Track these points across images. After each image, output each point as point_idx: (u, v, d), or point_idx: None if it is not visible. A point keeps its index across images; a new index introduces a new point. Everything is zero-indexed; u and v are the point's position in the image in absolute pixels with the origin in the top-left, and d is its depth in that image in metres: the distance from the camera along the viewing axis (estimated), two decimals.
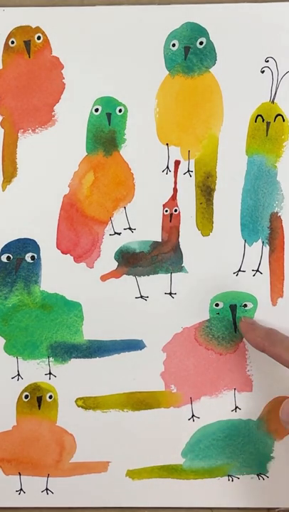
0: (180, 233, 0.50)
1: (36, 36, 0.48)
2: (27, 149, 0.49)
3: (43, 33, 0.48)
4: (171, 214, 0.49)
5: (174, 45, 0.48)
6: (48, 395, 0.51)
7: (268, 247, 0.50)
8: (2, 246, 0.50)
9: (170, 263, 0.50)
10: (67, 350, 0.51)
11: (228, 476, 0.52)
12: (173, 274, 0.50)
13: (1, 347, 0.51)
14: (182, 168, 0.49)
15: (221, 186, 0.49)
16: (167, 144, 0.49)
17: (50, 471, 0.52)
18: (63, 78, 0.49)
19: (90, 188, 0.50)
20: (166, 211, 0.49)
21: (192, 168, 0.49)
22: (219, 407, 0.51)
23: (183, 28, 0.48)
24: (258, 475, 0.52)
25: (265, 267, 0.50)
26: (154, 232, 0.50)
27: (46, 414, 0.52)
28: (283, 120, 0.48)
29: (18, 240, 0.50)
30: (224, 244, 0.50)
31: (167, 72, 0.48)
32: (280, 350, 0.45)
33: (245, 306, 0.50)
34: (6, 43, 0.48)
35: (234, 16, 0.47)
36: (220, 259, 0.50)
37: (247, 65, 0.48)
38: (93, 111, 0.49)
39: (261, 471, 0.52)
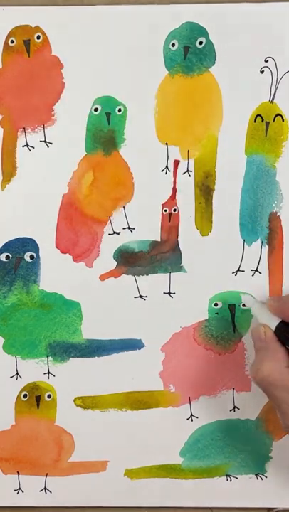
0: (179, 233, 0.50)
1: (36, 36, 0.48)
2: (26, 148, 0.49)
3: (42, 32, 0.48)
4: (170, 214, 0.49)
5: (173, 44, 0.48)
6: (46, 395, 0.51)
7: (267, 246, 0.50)
8: (1, 245, 0.50)
9: (169, 263, 0.50)
10: (66, 350, 0.51)
11: (227, 475, 0.52)
12: (172, 273, 0.50)
13: None
14: (181, 167, 0.49)
15: (220, 186, 0.49)
16: (166, 144, 0.49)
17: (48, 470, 0.52)
18: (63, 78, 0.49)
19: (89, 188, 0.50)
20: (166, 211, 0.49)
21: (191, 167, 0.49)
22: (218, 407, 0.51)
23: (182, 28, 0.48)
24: (256, 475, 0.52)
25: (264, 267, 0.50)
26: (153, 232, 0.50)
27: (45, 414, 0.52)
28: (283, 120, 0.48)
29: (18, 239, 0.50)
30: (223, 244, 0.50)
31: (167, 72, 0.48)
32: None
33: (244, 305, 0.50)
34: (6, 43, 0.48)
35: (234, 16, 0.47)
36: (219, 258, 0.50)
37: (246, 65, 0.48)
38: (93, 110, 0.49)
39: (260, 471, 0.52)
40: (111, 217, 0.50)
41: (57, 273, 0.50)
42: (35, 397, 0.51)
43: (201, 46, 0.48)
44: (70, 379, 0.51)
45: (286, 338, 0.42)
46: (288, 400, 0.39)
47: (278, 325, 0.43)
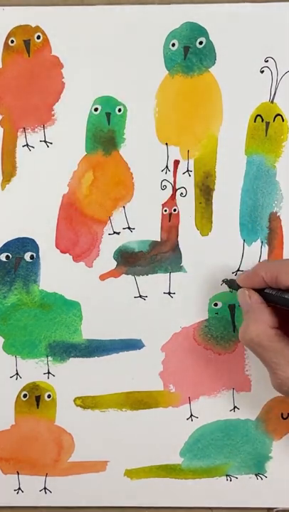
0: (179, 233, 0.50)
1: (36, 35, 0.48)
2: (26, 148, 0.49)
3: (42, 32, 0.48)
4: (170, 214, 0.49)
5: (173, 44, 0.48)
6: (46, 394, 0.51)
7: (267, 247, 0.50)
8: (1, 245, 0.50)
9: (169, 263, 0.50)
10: (66, 350, 0.51)
11: (227, 475, 0.52)
12: (172, 273, 0.50)
13: None
14: (181, 167, 0.49)
15: (220, 186, 0.49)
16: (166, 144, 0.49)
17: (48, 470, 0.52)
18: (63, 77, 0.49)
19: (89, 188, 0.50)
20: (166, 211, 0.49)
21: (191, 167, 0.49)
22: (218, 407, 0.51)
23: (182, 28, 0.48)
24: (256, 475, 0.52)
25: None
26: (153, 232, 0.50)
27: (45, 414, 0.52)
28: (283, 120, 0.49)
29: (18, 239, 0.50)
30: (223, 244, 0.50)
31: (167, 72, 0.48)
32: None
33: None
34: (6, 43, 0.48)
35: (234, 16, 0.47)
36: (219, 258, 0.50)
37: (246, 65, 0.48)
38: (93, 110, 0.49)
39: (260, 471, 0.52)
40: (111, 217, 0.50)
41: (57, 273, 0.50)
42: (35, 397, 0.51)
43: (201, 46, 0.48)
44: (70, 379, 0.51)
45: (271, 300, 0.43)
46: (274, 359, 0.40)
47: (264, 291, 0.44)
